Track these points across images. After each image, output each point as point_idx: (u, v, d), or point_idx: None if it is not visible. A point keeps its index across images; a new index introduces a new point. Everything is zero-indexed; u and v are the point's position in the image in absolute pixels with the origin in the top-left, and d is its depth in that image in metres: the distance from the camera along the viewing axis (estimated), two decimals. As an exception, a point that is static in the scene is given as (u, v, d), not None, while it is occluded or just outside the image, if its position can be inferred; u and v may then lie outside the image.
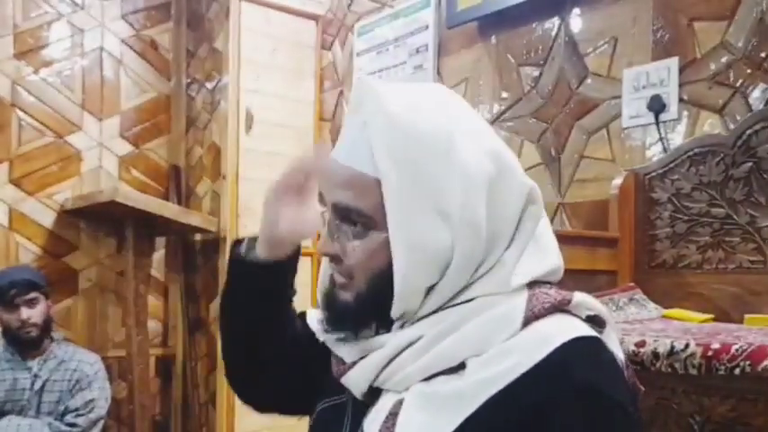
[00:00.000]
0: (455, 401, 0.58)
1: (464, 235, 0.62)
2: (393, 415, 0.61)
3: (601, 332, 0.65)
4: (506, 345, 0.60)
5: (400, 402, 0.62)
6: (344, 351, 0.69)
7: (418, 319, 0.65)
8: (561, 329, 0.61)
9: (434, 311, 0.64)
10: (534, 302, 0.62)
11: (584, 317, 0.65)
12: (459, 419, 0.57)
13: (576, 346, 0.60)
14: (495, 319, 0.61)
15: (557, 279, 0.69)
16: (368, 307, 0.67)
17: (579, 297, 0.66)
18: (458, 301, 0.64)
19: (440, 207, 0.62)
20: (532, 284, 0.65)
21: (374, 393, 0.66)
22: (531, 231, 0.66)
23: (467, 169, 0.62)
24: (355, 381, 0.67)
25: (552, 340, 0.59)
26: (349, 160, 0.65)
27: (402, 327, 0.66)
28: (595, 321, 0.66)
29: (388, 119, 0.62)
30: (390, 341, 0.65)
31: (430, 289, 0.64)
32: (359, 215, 0.65)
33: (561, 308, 0.64)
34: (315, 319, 0.78)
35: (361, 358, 0.67)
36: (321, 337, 0.75)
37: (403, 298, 0.63)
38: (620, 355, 0.65)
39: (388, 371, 0.64)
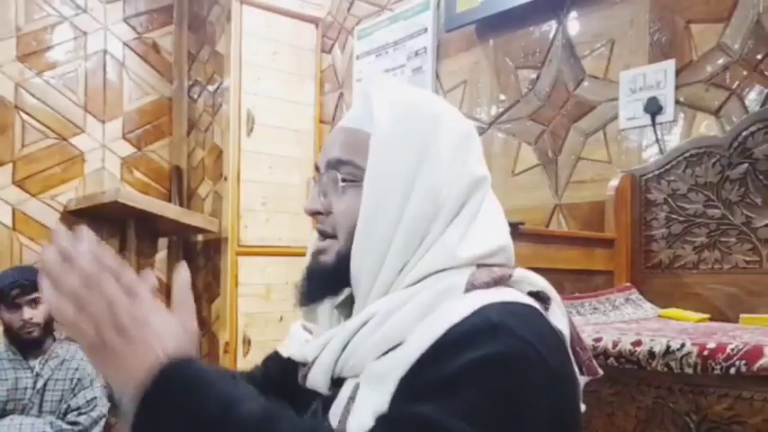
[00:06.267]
0: (396, 368, 0.59)
1: (419, 197, 0.66)
2: (351, 400, 0.62)
3: (546, 308, 0.67)
4: (441, 309, 0.62)
5: (357, 387, 0.62)
6: (308, 351, 0.70)
7: (373, 300, 0.66)
8: (494, 296, 0.62)
9: (388, 294, 0.66)
10: (476, 277, 0.65)
11: (525, 292, 0.67)
12: (396, 379, 0.58)
13: (501, 305, 0.61)
14: (438, 293, 0.63)
15: (508, 261, 0.70)
16: (346, 265, 0.68)
17: (521, 273, 0.68)
18: (407, 281, 0.65)
19: (410, 166, 0.66)
20: (480, 266, 0.67)
21: (339, 385, 0.66)
22: (474, 212, 0.69)
23: (439, 144, 0.68)
24: (317, 377, 0.67)
25: (481, 302, 0.61)
26: (350, 123, 0.73)
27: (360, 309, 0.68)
28: (539, 298, 0.68)
29: (390, 91, 0.71)
30: (346, 326, 0.66)
31: (384, 257, 0.66)
32: (350, 166, 0.70)
33: (502, 283, 0.66)
34: (289, 344, 0.79)
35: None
36: (286, 353, 0.76)
37: (362, 248, 0.66)
38: (564, 330, 0.66)
39: (345, 356, 0.65)
